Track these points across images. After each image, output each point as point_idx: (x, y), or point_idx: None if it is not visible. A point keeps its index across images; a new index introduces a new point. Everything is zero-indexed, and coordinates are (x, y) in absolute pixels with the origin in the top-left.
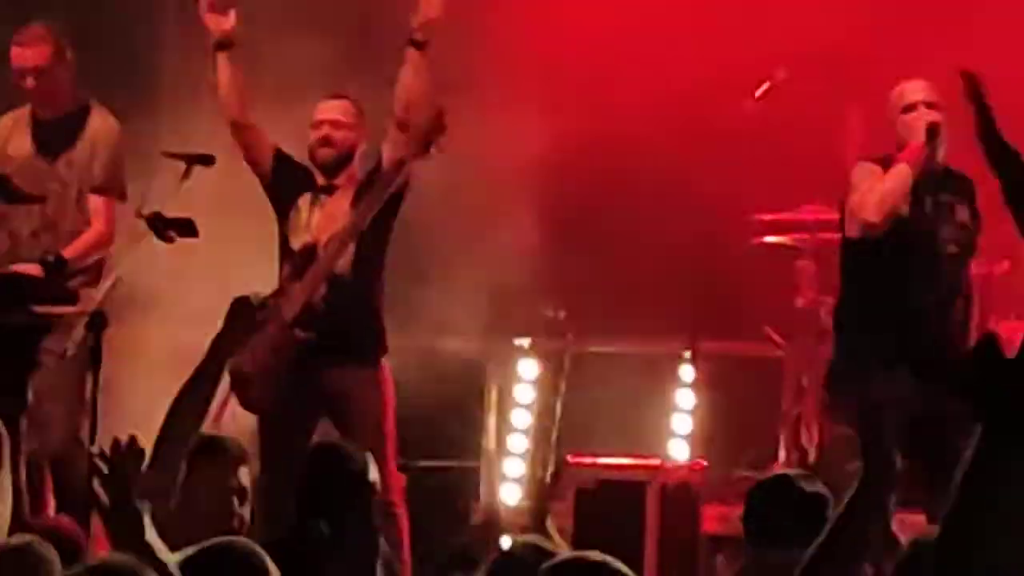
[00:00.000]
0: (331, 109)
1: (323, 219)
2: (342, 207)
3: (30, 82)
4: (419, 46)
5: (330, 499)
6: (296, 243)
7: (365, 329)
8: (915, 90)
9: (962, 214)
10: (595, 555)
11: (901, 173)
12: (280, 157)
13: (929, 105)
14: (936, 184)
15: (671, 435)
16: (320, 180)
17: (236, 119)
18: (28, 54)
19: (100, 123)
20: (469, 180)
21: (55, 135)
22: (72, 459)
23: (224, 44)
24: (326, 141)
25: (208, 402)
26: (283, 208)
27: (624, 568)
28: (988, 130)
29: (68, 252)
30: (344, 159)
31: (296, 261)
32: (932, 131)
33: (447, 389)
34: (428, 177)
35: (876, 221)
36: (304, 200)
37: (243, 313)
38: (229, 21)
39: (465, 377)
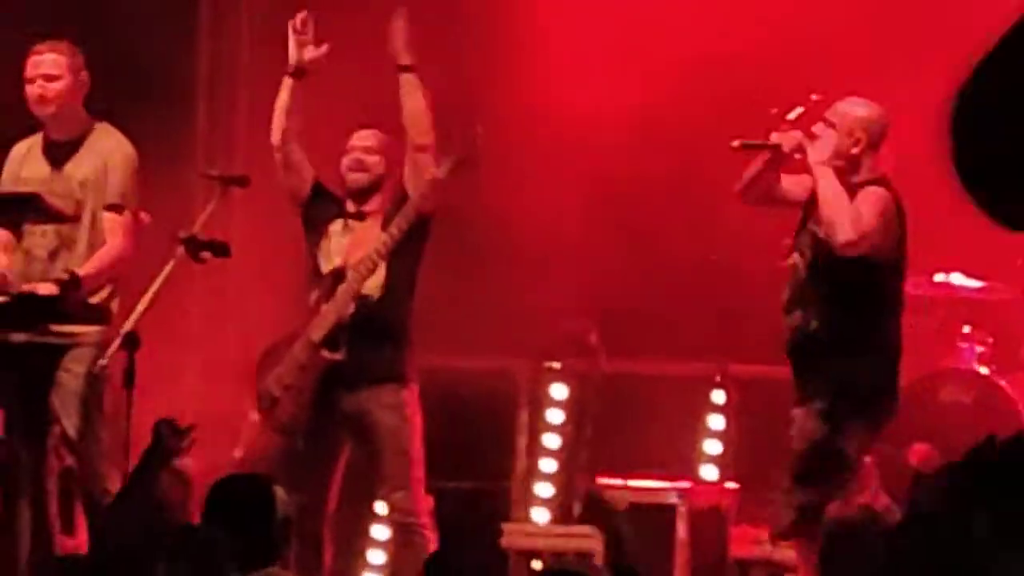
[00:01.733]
0: (365, 137)
1: (352, 244)
2: (372, 232)
3: (39, 87)
4: (407, 69)
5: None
6: (326, 267)
7: (393, 351)
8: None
9: None
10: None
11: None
12: (318, 186)
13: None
14: None
15: (701, 458)
16: (351, 207)
17: (285, 144)
18: (44, 60)
19: (111, 142)
20: (502, 200)
21: (68, 156)
22: (103, 482)
23: (299, 73)
24: (359, 165)
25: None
26: (315, 235)
27: None
28: None
29: (83, 270)
30: (375, 185)
31: (325, 284)
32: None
33: (478, 410)
34: (459, 196)
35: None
36: (336, 226)
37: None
38: (315, 53)
39: (496, 399)
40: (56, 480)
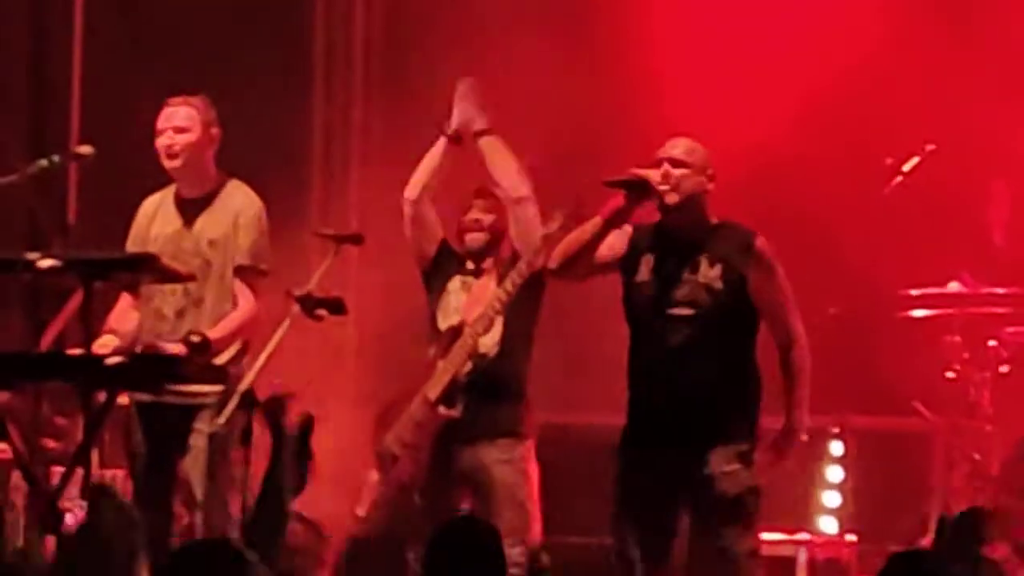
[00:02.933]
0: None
1: (470, 301)
2: (488, 288)
3: (168, 138)
4: (485, 133)
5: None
6: (444, 324)
7: (509, 407)
8: (667, 147)
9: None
10: None
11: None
12: (444, 244)
13: (674, 163)
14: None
15: (821, 510)
16: (469, 265)
17: (420, 202)
18: (174, 112)
19: (242, 200)
20: None
21: (198, 213)
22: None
23: (457, 138)
24: (476, 225)
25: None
26: (436, 292)
27: None
28: None
29: (214, 333)
30: (491, 243)
31: (444, 341)
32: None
33: (591, 465)
34: None
35: (551, 266)
36: (454, 284)
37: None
38: (482, 124)
39: (608, 453)
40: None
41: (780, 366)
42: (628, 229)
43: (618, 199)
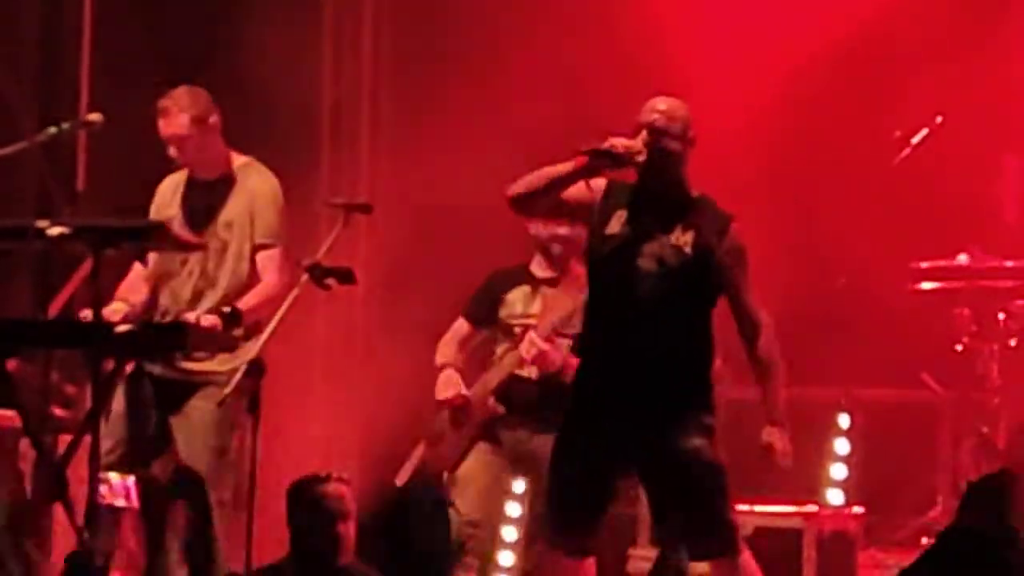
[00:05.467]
0: None
1: (543, 308)
2: (563, 299)
3: (173, 151)
4: None
5: None
6: (514, 322)
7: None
8: (647, 111)
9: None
10: None
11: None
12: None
13: (653, 129)
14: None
15: (828, 482)
16: (541, 273)
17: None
18: (168, 125)
19: (257, 181)
20: None
21: (213, 195)
22: (223, 512)
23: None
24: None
25: None
26: (492, 303)
27: None
28: None
29: (244, 304)
30: (565, 254)
31: (514, 339)
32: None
33: None
34: None
35: (509, 195)
36: (519, 292)
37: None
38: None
39: None
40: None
41: (748, 357)
42: (602, 182)
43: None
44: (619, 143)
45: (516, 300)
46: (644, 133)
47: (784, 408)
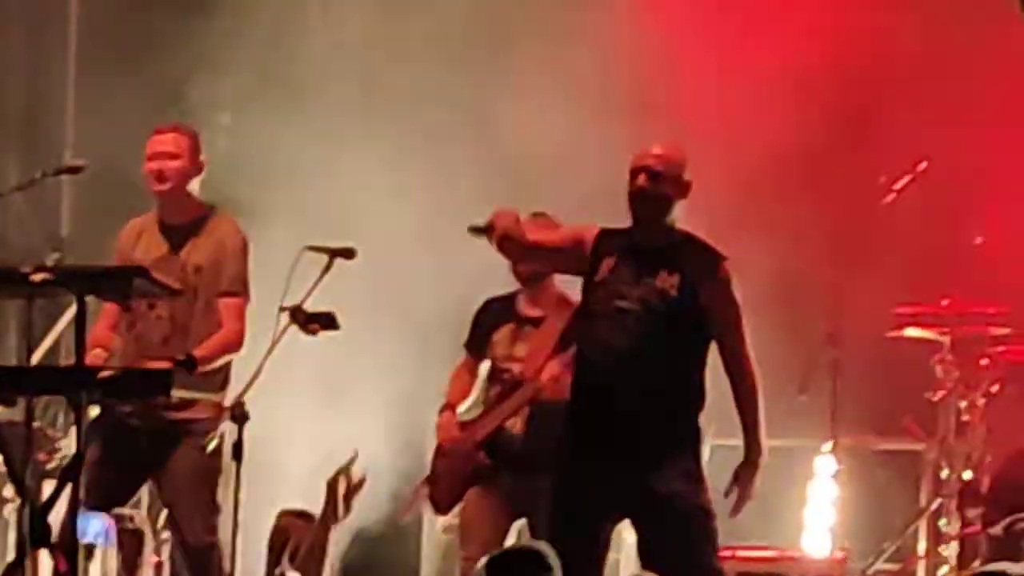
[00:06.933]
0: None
1: (527, 349)
2: (546, 338)
3: (159, 164)
4: None
5: None
6: (500, 365)
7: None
8: (642, 155)
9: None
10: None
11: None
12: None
13: (649, 172)
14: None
15: (811, 527)
16: (527, 311)
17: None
18: (165, 139)
19: (224, 229)
20: None
21: (183, 240)
22: (210, 556)
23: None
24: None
25: None
26: (484, 336)
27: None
28: None
29: (199, 351)
30: (540, 275)
31: (505, 387)
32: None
33: None
34: None
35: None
36: (505, 331)
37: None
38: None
39: None
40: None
41: (732, 391)
42: (595, 230)
43: None
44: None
45: (501, 340)
46: (637, 179)
47: (760, 452)
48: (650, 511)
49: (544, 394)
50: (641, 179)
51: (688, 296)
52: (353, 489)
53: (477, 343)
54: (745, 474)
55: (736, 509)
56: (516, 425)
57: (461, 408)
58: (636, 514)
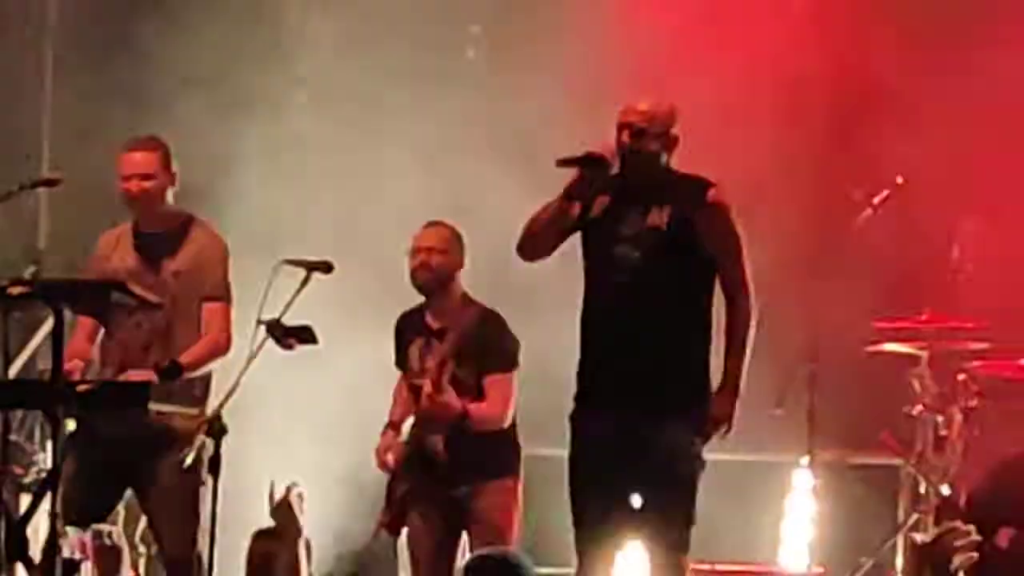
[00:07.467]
0: (428, 237)
1: (432, 365)
2: (443, 351)
3: (135, 185)
4: None
5: None
6: (415, 381)
7: (499, 453)
8: (627, 111)
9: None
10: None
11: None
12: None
13: (633, 130)
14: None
15: (789, 542)
16: (433, 323)
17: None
18: (137, 158)
19: (204, 236)
20: None
21: (161, 248)
22: (189, 569)
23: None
24: (424, 267)
25: None
26: (401, 350)
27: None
28: None
29: (184, 358)
30: (442, 281)
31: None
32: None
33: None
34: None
35: (518, 249)
36: (416, 345)
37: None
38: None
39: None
40: None
41: (726, 317)
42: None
43: (577, 175)
44: (600, 149)
45: (412, 355)
46: (624, 134)
47: (738, 379)
48: (653, 467)
49: (428, 410)
50: (624, 135)
51: (679, 227)
52: (302, 502)
53: (400, 360)
54: (722, 400)
55: (706, 434)
56: (438, 443)
57: (406, 426)
58: (642, 466)
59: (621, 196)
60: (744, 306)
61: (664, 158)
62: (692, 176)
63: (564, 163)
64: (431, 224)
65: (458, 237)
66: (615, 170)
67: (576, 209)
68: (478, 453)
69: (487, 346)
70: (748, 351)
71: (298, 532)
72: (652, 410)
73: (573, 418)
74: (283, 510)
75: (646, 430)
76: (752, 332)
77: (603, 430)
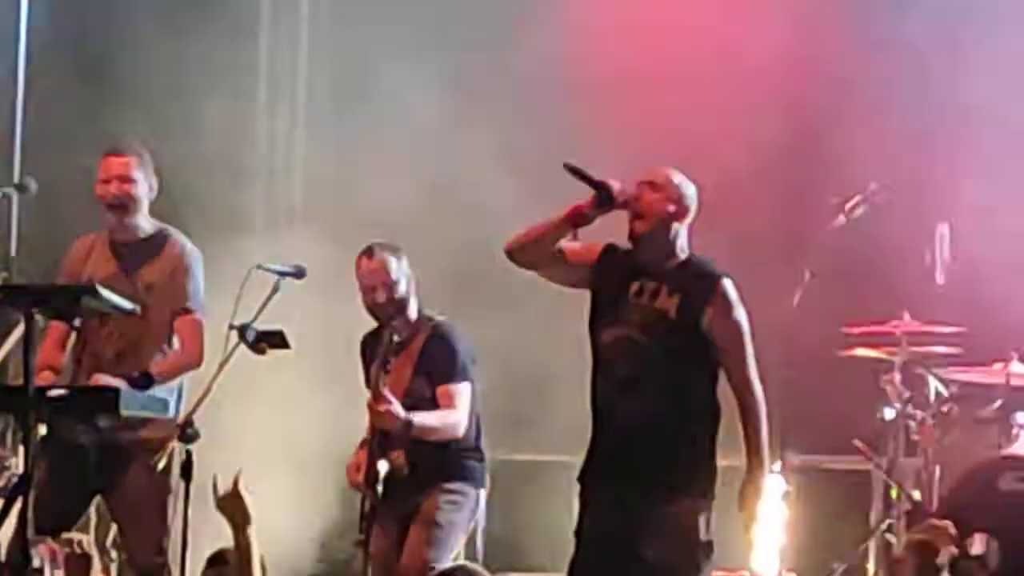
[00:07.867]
0: (372, 274)
1: (391, 384)
2: (405, 373)
3: (115, 187)
4: None
5: None
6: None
7: (460, 463)
8: (646, 173)
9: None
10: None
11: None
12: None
13: (651, 187)
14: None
15: (760, 547)
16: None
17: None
18: (118, 161)
19: (179, 247)
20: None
21: (135, 258)
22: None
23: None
24: (377, 306)
25: None
26: (367, 369)
27: None
28: None
29: (156, 368)
30: (399, 308)
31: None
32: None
33: (547, 501)
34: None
35: (506, 248)
36: (376, 365)
37: None
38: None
39: (564, 489)
40: None
41: (739, 414)
42: (599, 245)
43: (588, 202)
44: (612, 183)
45: (374, 375)
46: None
47: (762, 471)
48: (652, 545)
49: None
50: (638, 209)
51: (687, 318)
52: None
53: (367, 378)
54: (748, 491)
55: (747, 528)
56: (399, 458)
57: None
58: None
59: (630, 274)
60: (752, 407)
61: (676, 231)
62: (702, 260)
63: (573, 172)
64: (367, 254)
65: (398, 258)
66: (614, 207)
67: (571, 231)
68: (438, 464)
69: (438, 358)
70: (765, 445)
71: (247, 520)
72: (657, 499)
73: (580, 497)
74: (229, 500)
75: (649, 516)
76: (764, 427)
77: (604, 519)
